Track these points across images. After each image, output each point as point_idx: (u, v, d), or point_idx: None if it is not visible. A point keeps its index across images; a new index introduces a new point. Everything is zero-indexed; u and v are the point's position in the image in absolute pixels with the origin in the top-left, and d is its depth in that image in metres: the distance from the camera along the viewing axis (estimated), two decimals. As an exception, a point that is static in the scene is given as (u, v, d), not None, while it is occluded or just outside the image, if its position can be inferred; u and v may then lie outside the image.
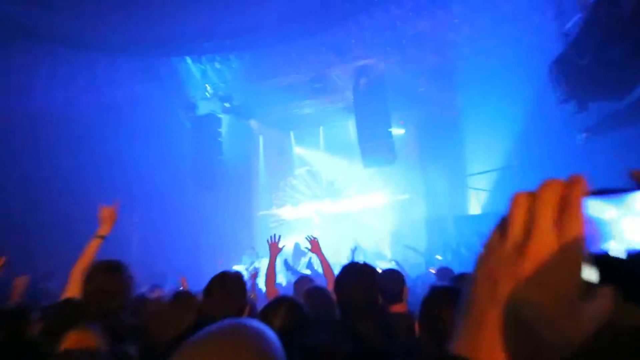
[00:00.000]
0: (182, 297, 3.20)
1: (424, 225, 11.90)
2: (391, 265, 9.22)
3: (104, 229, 2.88)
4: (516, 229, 0.48)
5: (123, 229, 12.45)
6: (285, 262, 9.70)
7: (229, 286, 2.37)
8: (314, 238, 4.06)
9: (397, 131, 13.28)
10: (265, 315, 2.00)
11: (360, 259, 8.42)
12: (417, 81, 12.20)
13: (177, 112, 13.27)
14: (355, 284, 2.12)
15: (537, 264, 0.46)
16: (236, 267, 13.80)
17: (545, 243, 0.46)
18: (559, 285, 0.44)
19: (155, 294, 5.65)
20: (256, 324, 0.82)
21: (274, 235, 4.05)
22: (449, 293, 1.77)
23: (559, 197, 0.46)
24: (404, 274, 7.38)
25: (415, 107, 13.62)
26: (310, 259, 9.91)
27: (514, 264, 0.46)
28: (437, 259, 8.96)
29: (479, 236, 8.58)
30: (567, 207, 0.46)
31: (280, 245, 4.00)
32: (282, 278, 9.67)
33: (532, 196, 0.48)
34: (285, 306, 2.06)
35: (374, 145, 11.55)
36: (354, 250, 8.72)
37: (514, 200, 0.49)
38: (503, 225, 0.49)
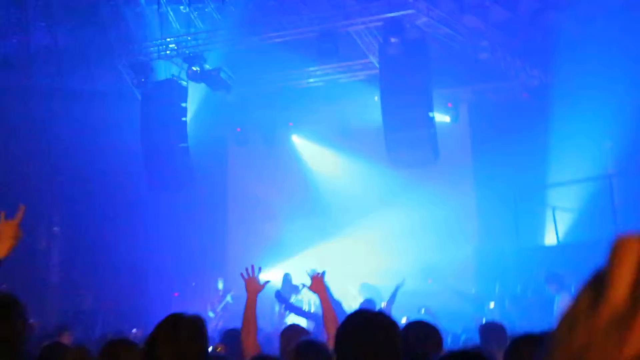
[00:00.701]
0: (116, 347, 3.23)
1: (473, 257, 11.91)
2: (421, 314, 9.26)
3: (0, 251, 2.88)
4: (620, 292, 0.47)
5: (38, 243, 12.62)
6: (278, 294, 9.74)
7: (182, 337, 2.37)
8: (318, 273, 4.06)
9: (442, 118, 13.32)
10: None
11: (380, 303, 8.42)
12: (476, 45, 12.25)
13: (122, 75, 13.35)
14: (365, 342, 2.13)
15: None
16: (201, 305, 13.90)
17: None
18: None
19: (64, 339, 5.71)
20: None
21: (252, 267, 4.00)
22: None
23: None
24: (439, 328, 7.48)
25: (471, 85, 13.63)
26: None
27: (613, 343, 0.45)
28: (489, 308, 8.98)
29: (555, 280, 8.61)
30: None
31: (262, 280, 3.98)
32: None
33: None
34: None
35: (406, 137, 11.58)
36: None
37: (619, 247, 0.47)
38: (599, 283, 0.48)
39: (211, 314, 12.03)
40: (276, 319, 11.17)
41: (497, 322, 5.32)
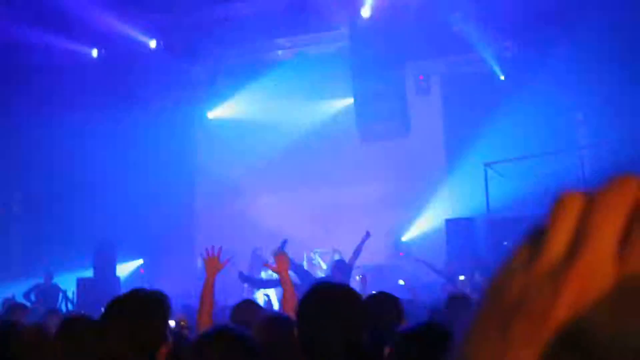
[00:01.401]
0: (74, 327, 3.11)
1: (444, 229, 12.01)
2: (400, 285, 9.36)
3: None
4: (556, 245, 0.46)
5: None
6: (240, 275, 9.72)
7: (135, 313, 2.28)
8: (283, 252, 4.10)
9: (414, 92, 13.29)
10: (200, 349, 1.98)
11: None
12: (450, 15, 12.19)
13: (77, 35, 12.91)
14: (327, 317, 2.06)
15: (579, 299, 0.43)
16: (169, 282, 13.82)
17: (597, 269, 0.44)
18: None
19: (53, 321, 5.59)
20: None
21: (212, 247, 4.03)
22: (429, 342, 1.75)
23: (634, 203, 0.45)
24: (417, 299, 7.55)
25: (444, 57, 13.61)
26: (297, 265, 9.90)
27: (547, 295, 0.44)
28: (460, 280, 9.06)
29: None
30: None
31: (223, 259, 4.00)
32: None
33: (589, 198, 0.47)
34: (226, 339, 2.02)
35: (377, 111, 11.54)
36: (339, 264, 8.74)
37: (559, 202, 0.47)
38: (537, 237, 0.47)
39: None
40: (245, 296, 11.18)
41: (462, 293, 5.52)
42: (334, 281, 2.29)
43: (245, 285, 11.42)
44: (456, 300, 4.99)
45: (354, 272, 10.28)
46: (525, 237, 0.49)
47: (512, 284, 0.46)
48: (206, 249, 4.06)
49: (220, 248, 4.05)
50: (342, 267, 9.09)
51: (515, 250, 0.48)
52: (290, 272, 4.13)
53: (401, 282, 8.97)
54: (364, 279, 8.07)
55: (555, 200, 0.47)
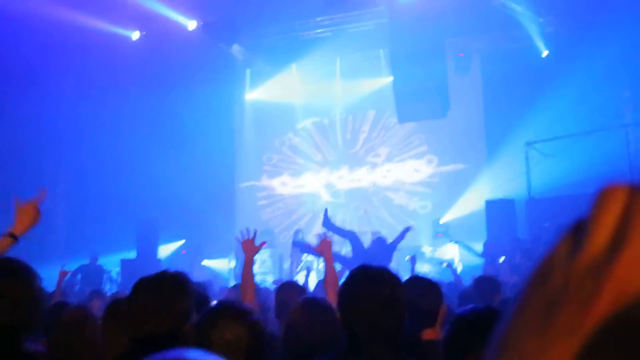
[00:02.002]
0: (119, 308, 3.20)
1: (484, 210, 11.89)
2: (441, 268, 9.35)
3: (18, 228, 3.02)
4: (599, 239, 0.46)
5: (42, 204, 12.71)
6: (295, 240, 9.65)
7: (163, 294, 2.34)
8: (326, 236, 4.13)
9: (454, 70, 13.11)
10: (205, 332, 1.99)
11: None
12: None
13: (118, 18, 13.08)
14: (368, 299, 2.08)
15: (621, 293, 0.44)
16: (211, 263, 14.06)
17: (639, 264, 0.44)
18: None
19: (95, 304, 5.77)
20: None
21: (247, 230, 4.09)
22: (483, 326, 1.74)
23: None
24: (458, 282, 7.53)
25: (486, 35, 13.37)
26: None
27: (588, 291, 0.45)
28: (500, 262, 8.98)
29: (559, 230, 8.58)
30: None
31: (258, 242, 4.05)
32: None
33: (633, 191, 0.47)
34: (229, 316, 2.01)
35: (416, 90, 11.40)
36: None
37: (603, 195, 0.47)
38: (580, 230, 0.48)
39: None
40: (286, 277, 11.31)
41: (492, 276, 5.53)
42: (375, 263, 2.31)
43: (286, 265, 11.59)
44: (482, 282, 4.98)
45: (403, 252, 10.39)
46: (569, 227, 0.49)
47: (555, 274, 0.47)
48: (241, 232, 4.12)
49: (256, 231, 4.10)
50: (382, 245, 9.15)
51: (558, 239, 0.49)
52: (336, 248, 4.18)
53: (444, 264, 8.95)
54: (413, 259, 8.14)
55: (598, 192, 0.47)
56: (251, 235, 4.08)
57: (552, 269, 0.48)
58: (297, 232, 11.93)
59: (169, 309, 2.25)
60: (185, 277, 2.43)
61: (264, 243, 4.11)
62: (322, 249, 4.06)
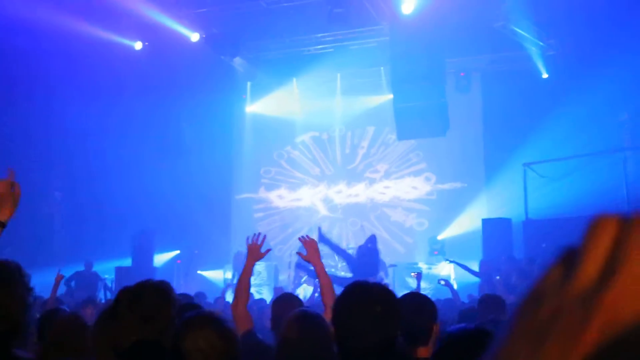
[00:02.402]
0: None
1: (481, 228, 11.90)
2: (438, 284, 9.36)
3: (3, 213, 2.87)
4: (589, 268, 0.47)
5: (40, 210, 12.72)
6: (299, 264, 9.68)
7: (146, 304, 2.35)
8: (307, 237, 4.02)
9: (454, 89, 13.19)
10: (181, 338, 1.98)
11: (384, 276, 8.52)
12: (491, 13, 12.03)
13: (122, 29, 13.15)
14: (360, 316, 2.09)
15: (612, 326, 0.44)
16: (206, 274, 14.03)
17: (629, 295, 0.44)
18: None
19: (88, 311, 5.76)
20: None
21: (258, 234, 4.01)
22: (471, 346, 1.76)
23: None
24: (456, 298, 7.52)
25: (485, 54, 13.47)
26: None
27: (578, 320, 0.45)
28: (496, 280, 8.98)
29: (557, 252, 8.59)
30: None
31: (263, 249, 3.93)
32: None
33: (625, 223, 0.47)
34: (211, 326, 2.02)
35: (415, 107, 11.46)
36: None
37: (595, 226, 0.48)
38: (571, 258, 0.48)
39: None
40: (290, 287, 11.33)
41: (495, 294, 5.53)
42: (369, 280, 2.32)
43: (290, 275, 11.64)
44: (488, 299, 4.99)
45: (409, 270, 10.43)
46: (560, 255, 0.49)
47: (546, 302, 0.47)
48: (249, 236, 4.04)
49: (265, 237, 4.03)
50: (366, 252, 9.20)
51: (549, 267, 0.49)
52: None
53: (442, 282, 8.92)
54: (419, 276, 8.09)
55: (590, 223, 0.48)
56: (260, 240, 4.00)
57: (543, 297, 0.48)
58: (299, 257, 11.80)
59: (153, 319, 2.27)
60: (168, 286, 2.44)
61: (269, 250, 4.02)
62: (310, 256, 3.92)
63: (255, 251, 3.93)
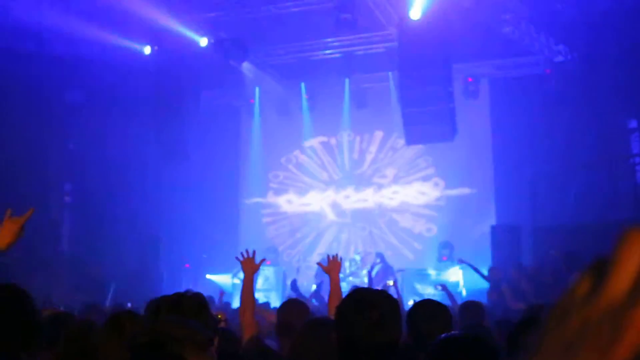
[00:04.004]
0: (121, 319, 3.27)
1: (490, 235, 11.89)
2: (436, 291, 9.31)
3: (3, 242, 3.00)
4: (620, 283, 0.46)
5: (48, 213, 12.81)
6: (293, 284, 9.76)
7: (185, 310, 2.43)
8: (336, 256, 4.21)
9: (462, 94, 13.21)
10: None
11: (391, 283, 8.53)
12: (500, 18, 12.05)
13: (131, 33, 13.25)
14: (359, 323, 2.12)
15: None
16: (215, 278, 14.07)
17: None
18: None
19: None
20: None
21: (246, 251, 4.18)
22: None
23: None
24: (454, 304, 7.53)
25: (493, 59, 13.47)
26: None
27: (606, 336, 0.45)
28: (504, 288, 8.97)
29: (573, 261, 8.58)
30: None
31: (257, 260, 4.13)
32: None
33: None
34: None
35: (423, 112, 11.49)
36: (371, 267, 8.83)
37: (628, 238, 0.47)
38: (600, 270, 0.48)
39: None
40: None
41: (475, 301, 5.47)
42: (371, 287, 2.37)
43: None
44: (468, 307, 5.01)
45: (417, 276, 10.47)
46: (588, 267, 0.49)
47: (573, 315, 0.47)
48: (241, 253, 4.22)
49: (255, 251, 4.19)
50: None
51: (577, 279, 0.49)
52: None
53: (439, 287, 8.86)
54: (445, 288, 8.11)
55: (622, 236, 0.47)
56: (250, 254, 4.16)
57: (570, 310, 0.47)
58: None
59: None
60: (203, 297, 2.54)
61: (263, 260, 4.17)
62: (330, 269, 4.11)
63: (249, 265, 4.09)
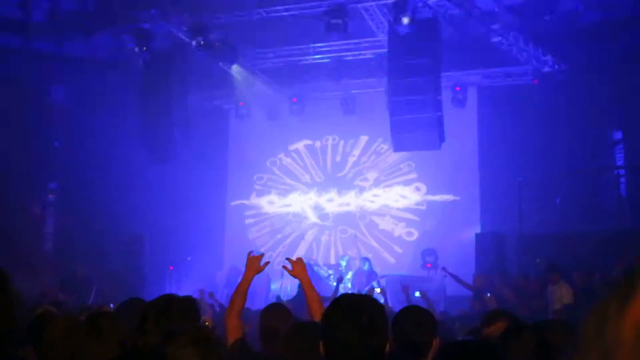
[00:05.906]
0: (103, 320, 3.24)
1: (474, 242, 11.94)
2: (415, 297, 9.29)
3: None
4: None
5: (32, 210, 12.70)
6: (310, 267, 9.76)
7: (173, 314, 2.42)
8: (298, 258, 4.03)
9: (450, 102, 13.27)
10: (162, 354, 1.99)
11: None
12: (488, 28, 12.14)
13: (122, 43, 13.22)
14: (346, 329, 2.12)
15: None
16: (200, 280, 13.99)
17: None
18: None
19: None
20: None
21: (255, 251, 4.05)
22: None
23: None
24: (434, 314, 7.51)
25: (481, 68, 13.56)
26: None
27: (634, 353, 0.47)
28: (487, 296, 9.00)
29: (556, 270, 8.63)
30: None
31: (262, 263, 3.86)
32: None
33: None
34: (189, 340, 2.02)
35: (411, 120, 11.52)
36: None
37: None
38: (625, 290, 0.50)
39: None
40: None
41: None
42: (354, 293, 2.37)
43: None
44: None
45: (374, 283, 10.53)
46: (619, 282, 0.51)
47: (609, 325, 0.49)
48: (251, 251, 4.04)
49: (263, 254, 4.02)
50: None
51: (609, 293, 0.51)
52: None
53: (417, 294, 8.82)
54: (383, 291, 8.09)
55: None
56: (259, 255, 3.96)
57: (606, 320, 0.49)
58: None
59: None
60: (193, 301, 2.51)
61: (268, 263, 3.99)
62: (297, 273, 3.88)
63: (254, 264, 3.88)
